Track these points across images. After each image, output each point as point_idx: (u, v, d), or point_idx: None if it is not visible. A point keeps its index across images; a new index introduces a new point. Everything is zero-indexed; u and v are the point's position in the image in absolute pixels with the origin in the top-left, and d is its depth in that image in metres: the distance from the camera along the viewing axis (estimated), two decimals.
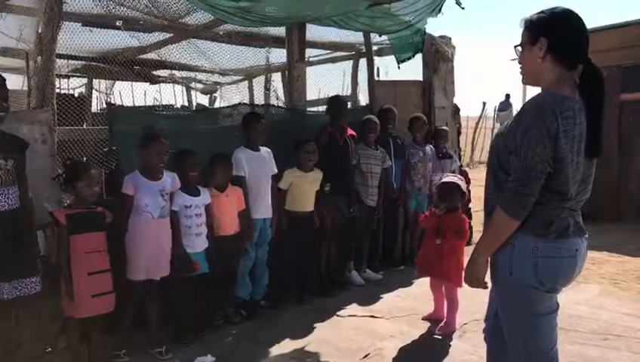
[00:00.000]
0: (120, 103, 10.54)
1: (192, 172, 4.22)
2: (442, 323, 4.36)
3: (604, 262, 6.15)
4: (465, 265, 3.83)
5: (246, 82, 8.74)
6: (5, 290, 3.39)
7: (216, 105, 9.40)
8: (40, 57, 4.01)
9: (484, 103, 18.35)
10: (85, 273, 3.56)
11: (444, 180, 4.51)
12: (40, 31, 4.02)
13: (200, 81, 9.14)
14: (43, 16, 4.02)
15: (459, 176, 4.66)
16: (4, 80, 3.40)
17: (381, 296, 5.21)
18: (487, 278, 2.38)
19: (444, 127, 6.54)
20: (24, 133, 3.82)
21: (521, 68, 2.37)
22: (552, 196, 2.19)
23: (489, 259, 2.35)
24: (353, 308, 4.87)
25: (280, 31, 6.10)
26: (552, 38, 2.22)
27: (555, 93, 2.17)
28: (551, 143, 2.10)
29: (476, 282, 2.37)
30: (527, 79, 2.37)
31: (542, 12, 2.27)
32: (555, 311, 2.36)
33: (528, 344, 2.34)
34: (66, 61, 7.08)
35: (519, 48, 2.34)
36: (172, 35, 6.27)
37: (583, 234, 2.30)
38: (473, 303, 4.61)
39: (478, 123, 18.40)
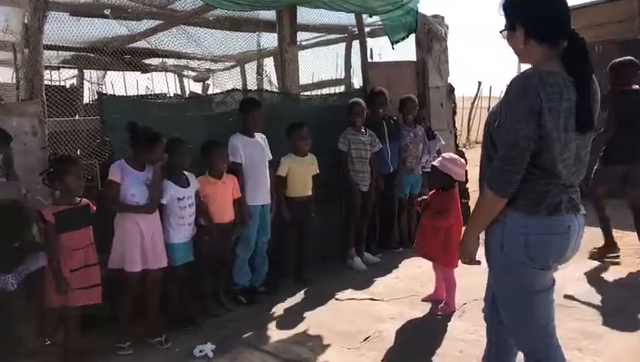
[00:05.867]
0: (112, 93, 10.48)
1: (183, 161, 4.16)
2: (442, 304, 4.36)
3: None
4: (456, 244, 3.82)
5: (238, 68, 8.68)
6: (10, 281, 3.39)
7: (210, 92, 9.33)
8: (27, 48, 3.95)
9: (480, 83, 18.28)
10: (67, 270, 3.54)
11: (433, 163, 4.45)
12: (26, 21, 3.96)
13: (192, 69, 9.06)
14: (29, 5, 3.96)
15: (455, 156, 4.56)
16: None
17: (380, 278, 5.20)
18: (482, 257, 2.39)
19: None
20: (13, 126, 3.79)
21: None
22: (542, 173, 2.18)
23: (482, 237, 2.36)
24: (352, 292, 4.86)
25: (271, 15, 6.02)
26: (528, 24, 2.20)
27: (540, 69, 2.15)
28: (534, 120, 2.08)
29: (469, 259, 2.39)
30: (519, 59, 2.38)
31: None
32: (550, 287, 2.35)
33: (524, 321, 2.35)
34: (55, 52, 7.02)
35: (505, 33, 2.31)
36: (162, 22, 6.20)
37: (577, 211, 2.27)
38: (472, 283, 4.60)
39: (473, 103, 18.32)
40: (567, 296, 4.33)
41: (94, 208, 3.80)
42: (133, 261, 3.85)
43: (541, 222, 2.21)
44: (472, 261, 2.40)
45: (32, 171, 3.78)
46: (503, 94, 2.28)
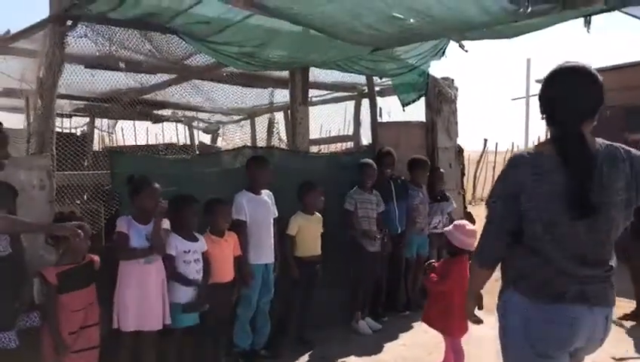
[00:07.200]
0: (122, 142, 10.56)
1: (192, 218, 4.13)
2: None
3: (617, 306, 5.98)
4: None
5: (248, 121, 8.75)
6: (12, 338, 3.29)
7: (219, 143, 9.39)
8: (40, 102, 3.97)
9: (486, 140, 18.31)
10: (67, 332, 3.45)
11: (445, 228, 4.39)
12: (41, 75, 4.00)
13: (202, 120, 9.15)
14: (44, 60, 4.00)
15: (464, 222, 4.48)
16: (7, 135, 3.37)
17: (386, 344, 5.05)
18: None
19: (441, 169, 6.48)
20: (22, 180, 3.76)
21: None
22: (538, 258, 2.18)
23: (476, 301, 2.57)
24: (357, 358, 4.71)
25: (283, 72, 6.10)
26: (540, 106, 2.32)
27: (531, 151, 2.29)
28: (511, 198, 2.18)
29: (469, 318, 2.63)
30: None
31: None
32: None
33: None
34: (68, 100, 7.11)
35: None
36: (175, 76, 6.28)
37: (587, 303, 2.17)
38: (481, 351, 4.50)
39: (479, 160, 18.32)
40: None
41: (98, 263, 3.73)
42: (125, 318, 3.76)
43: (541, 309, 2.19)
44: (470, 318, 2.62)
45: None
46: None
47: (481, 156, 18.48)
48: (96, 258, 3.74)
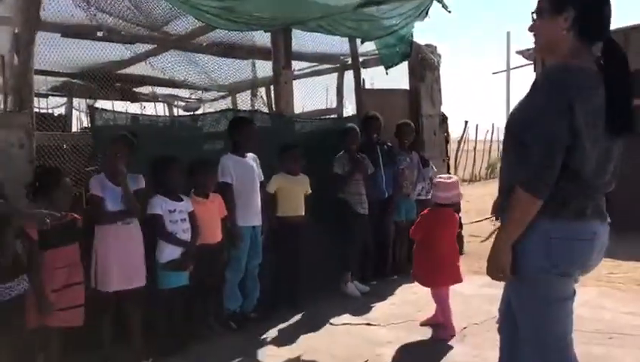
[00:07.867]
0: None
1: (176, 178, 4.06)
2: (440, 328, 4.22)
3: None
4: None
5: (229, 98, 8.63)
6: None
7: (199, 122, 9.24)
8: (17, 58, 3.85)
9: (466, 122, 18.41)
10: (50, 290, 3.37)
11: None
12: (17, 31, 3.88)
13: (182, 99, 9.01)
14: (20, 17, 3.88)
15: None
16: None
17: (375, 304, 5.04)
18: None
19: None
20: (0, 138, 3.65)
21: (535, 37, 2.23)
22: (569, 175, 2.05)
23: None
24: (347, 317, 4.69)
25: (265, 41, 6.01)
26: (581, 10, 2.08)
27: (570, 64, 2.06)
28: (567, 115, 1.98)
29: (501, 272, 2.16)
30: (542, 50, 2.27)
31: None
32: (570, 297, 2.22)
33: (540, 331, 2.20)
34: (44, 78, 6.92)
35: (535, 15, 2.20)
36: (155, 46, 6.14)
37: (603, 219, 2.16)
38: (469, 308, 4.54)
39: (460, 141, 18.40)
40: None
41: (81, 222, 3.64)
42: (105, 280, 3.68)
43: (565, 226, 2.09)
44: (504, 276, 2.17)
45: (19, 185, 3.60)
46: (528, 91, 2.15)
47: (462, 138, 18.56)
48: (79, 216, 3.66)
